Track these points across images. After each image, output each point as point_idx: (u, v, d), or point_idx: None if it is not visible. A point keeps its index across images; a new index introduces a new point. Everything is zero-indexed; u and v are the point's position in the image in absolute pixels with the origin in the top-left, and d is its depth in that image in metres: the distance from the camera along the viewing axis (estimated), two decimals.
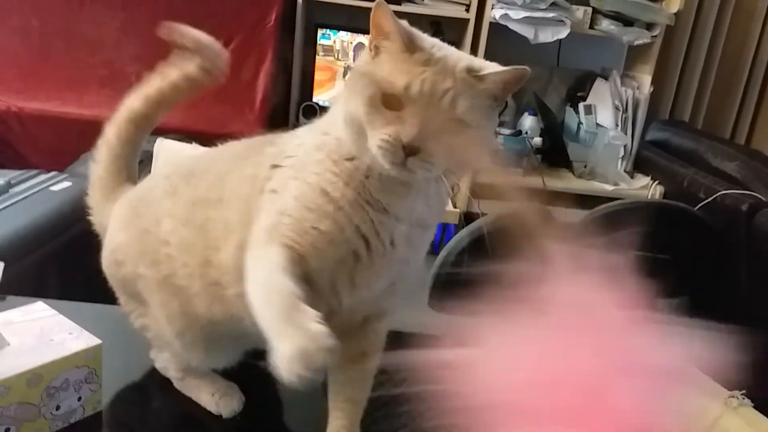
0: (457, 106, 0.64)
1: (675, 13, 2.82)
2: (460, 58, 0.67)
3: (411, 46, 0.66)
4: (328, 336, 0.58)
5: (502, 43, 2.83)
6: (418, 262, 0.77)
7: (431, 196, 0.71)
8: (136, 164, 1.00)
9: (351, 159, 0.69)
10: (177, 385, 0.88)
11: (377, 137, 0.64)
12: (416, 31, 0.68)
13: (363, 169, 0.68)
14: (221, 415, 0.84)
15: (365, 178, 0.68)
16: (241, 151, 0.82)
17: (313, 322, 0.59)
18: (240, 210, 0.74)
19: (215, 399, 0.85)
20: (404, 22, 0.67)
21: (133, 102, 0.96)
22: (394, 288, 0.77)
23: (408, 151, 0.63)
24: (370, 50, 0.69)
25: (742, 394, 0.67)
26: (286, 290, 0.63)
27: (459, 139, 0.65)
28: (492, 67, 0.67)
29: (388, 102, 0.64)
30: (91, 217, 0.96)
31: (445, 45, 0.69)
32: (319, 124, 0.75)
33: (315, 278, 0.70)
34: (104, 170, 0.97)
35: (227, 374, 0.88)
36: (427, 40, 0.68)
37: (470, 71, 0.66)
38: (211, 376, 0.87)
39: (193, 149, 1.49)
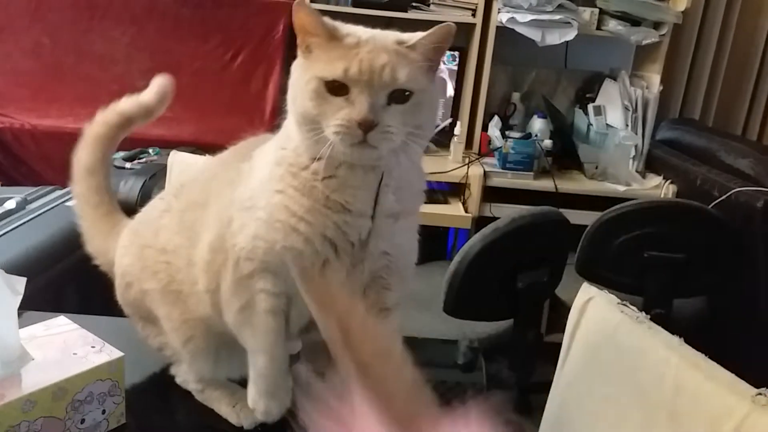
0: (398, 76, 0.67)
1: (682, 12, 2.81)
2: (387, 34, 0.71)
3: (338, 35, 0.69)
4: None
5: (509, 46, 2.83)
6: (403, 250, 0.79)
7: (401, 185, 0.74)
8: (110, 188, 1.03)
9: (307, 167, 0.71)
10: (198, 397, 0.89)
11: (332, 125, 0.67)
12: (338, 23, 0.71)
13: (320, 173, 0.71)
14: (242, 426, 0.84)
15: (322, 180, 0.71)
16: (226, 157, 0.86)
17: (287, 395, 0.77)
18: (217, 212, 0.78)
19: (236, 410, 0.85)
20: (326, 17, 0.70)
21: (95, 128, 1.02)
22: (389, 269, 0.78)
23: (364, 128, 0.66)
24: (302, 51, 0.71)
25: None
26: (279, 359, 0.77)
27: (409, 103, 0.68)
28: (419, 35, 0.70)
29: (332, 90, 0.68)
30: (98, 262, 0.98)
31: (369, 29, 0.72)
32: (278, 137, 0.77)
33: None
34: (92, 215, 1.00)
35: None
36: (351, 27, 0.71)
37: (401, 43, 0.69)
38: (231, 387, 0.88)
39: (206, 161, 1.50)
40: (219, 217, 0.78)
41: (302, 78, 0.69)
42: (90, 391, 0.76)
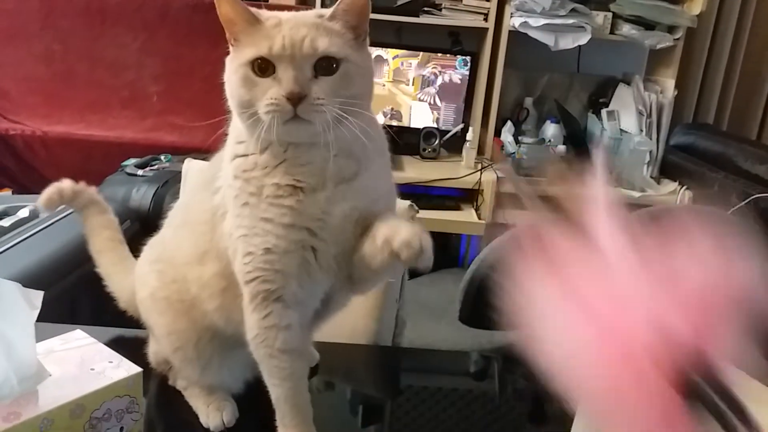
0: (318, 45, 0.67)
1: (697, 15, 2.78)
2: (308, 12, 0.71)
3: (260, 18, 0.69)
4: None
5: (521, 51, 2.81)
6: (372, 198, 0.75)
7: (352, 149, 0.72)
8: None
9: (256, 166, 0.71)
10: (184, 394, 0.90)
11: (263, 105, 0.66)
12: (262, 10, 0.72)
13: (270, 162, 0.71)
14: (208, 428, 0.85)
15: (270, 171, 0.71)
16: (204, 176, 0.85)
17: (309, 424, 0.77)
18: (208, 240, 0.79)
19: (208, 410, 0.86)
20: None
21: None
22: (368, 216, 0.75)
23: (294, 102, 0.66)
24: (231, 44, 0.72)
25: None
26: (290, 380, 0.76)
27: (338, 74, 0.68)
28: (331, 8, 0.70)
29: (259, 71, 0.67)
30: (129, 310, 0.98)
31: (291, 12, 0.72)
32: (227, 149, 0.77)
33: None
34: (113, 273, 1.01)
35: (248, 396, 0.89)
36: (274, 12, 0.71)
37: (319, 16, 0.69)
38: (212, 389, 0.88)
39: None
40: (209, 242, 0.79)
41: (231, 68, 0.70)
42: (108, 408, 0.74)
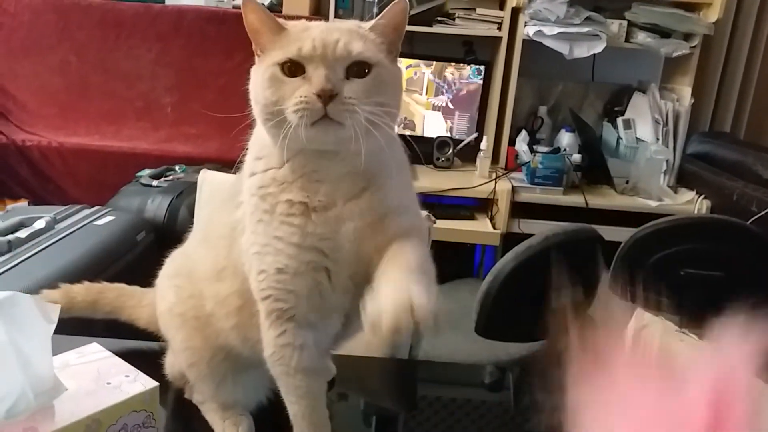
0: (352, 48, 0.65)
1: (713, 23, 2.75)
2: (344, 21, 0.72)
3: (283, 26, 0.67)
4: None
5: (535, 59, 2.80)
6: (386, 211, 0.71)
7: (367, 167, 0.68)
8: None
9: (269, 185, 0.70)
10: (200, 408, 0.89)
11: (291, 105, 0.63)
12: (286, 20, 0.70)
13: (288, 177, 0.69)
14: None
15: (286, 187, 0.69)
16: (230, 189, 0.82)
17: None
18: (225, 255, 0.78)
19: (224, 425, 0.85)
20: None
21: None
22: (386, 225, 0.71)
23: (325, 100, 0.63)
24: (257, 55, 0.70)
25: None
26: (307, 398, 0.75)
27: (370, 77, 0.66)
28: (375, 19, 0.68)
29: (288, 72, 0.65)
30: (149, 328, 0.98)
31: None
32: (246, 165, 0.75)
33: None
34: (119, 307, 1.01)
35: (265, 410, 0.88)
36: (298, 21, 0.70)
37: (358, 26, 0.68)
38: (229, 405, 0.87)
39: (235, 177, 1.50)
40: (227, 260, 0.78)
41: (258, 72, 0.68)
42: (124, 423, 0.73)
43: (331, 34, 0.66)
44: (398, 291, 0.62)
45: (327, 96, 0.63)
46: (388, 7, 0.68)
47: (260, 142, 0.73)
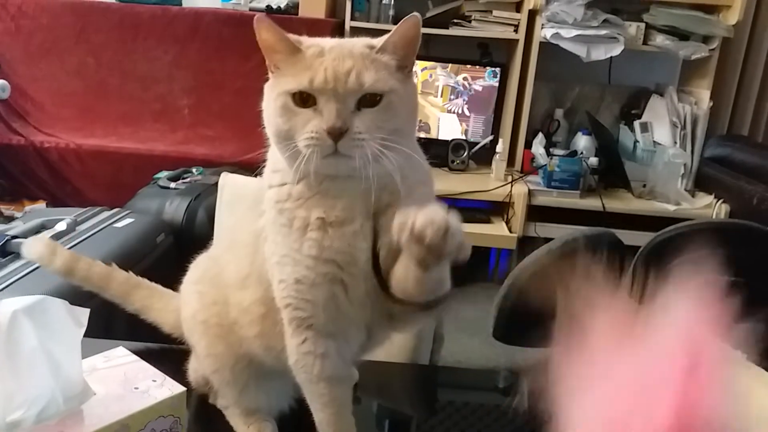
0: (364, 80, 0.64)
1: (733, 25, 2.73)
2: (355, 41, 0.68)
3: (301, 47, 0.66)
4: None
5: (551, 62, 2.79)
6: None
7: (386, 182, 0.67)
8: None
9: (290, 197, 0.70)
10: (225, 413, 0.88)
11: (302, 138, 0.64)
12: (303, 37, 0.69)
13: (305, 194, 0.69)
14: None
15: (303, 203, 0.69)
16: (256, 195, 0.82)
17: None
18: (250, 262, 0.78)
19: (248, 430, 0.85)
20: (289, 33, 0.68)
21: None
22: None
23: (334, 136, 0.63)
24: (271, 70, 0.69)
25: None
26: (332, 407, 0.75)
27: (381, 105, 0.66)
28: (386, 36, 0.67)
29: (300, 102, 0.65)
30: (174, 333, 0.96)
31: (336, 39, 0.69)
32: (265, 177, 0.75)
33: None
34: (149, 306, 0.99)
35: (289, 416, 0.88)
36: (316, 40, 0.69)
37: (369, 47, 0.67)
38: (253, 411, 0.86)
39: (258, 182, 1.49)
40: (252, 266, 0.78)
41: (271, 96, 0.68)
42: (152, 428, 0.72)
43: (344, 62, 0.65)
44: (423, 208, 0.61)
45: (337, 133, 0.63)
46: (401, 22, 0.67)
47: (277, 155, 0.72)
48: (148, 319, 0.98)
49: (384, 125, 0.65)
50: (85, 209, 1.66)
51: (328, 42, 0.68)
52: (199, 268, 0.90)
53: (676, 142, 2.75)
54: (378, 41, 0.68)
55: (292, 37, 0.68)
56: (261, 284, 0.76)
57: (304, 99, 0.65)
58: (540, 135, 2.87)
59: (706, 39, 2.74)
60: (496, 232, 2.55)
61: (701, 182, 2.78)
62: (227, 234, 0.88)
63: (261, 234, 0.76)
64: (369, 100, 0.65)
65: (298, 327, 0.73)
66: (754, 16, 2.92)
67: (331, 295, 0.71)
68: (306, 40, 0.69)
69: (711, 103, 2.79)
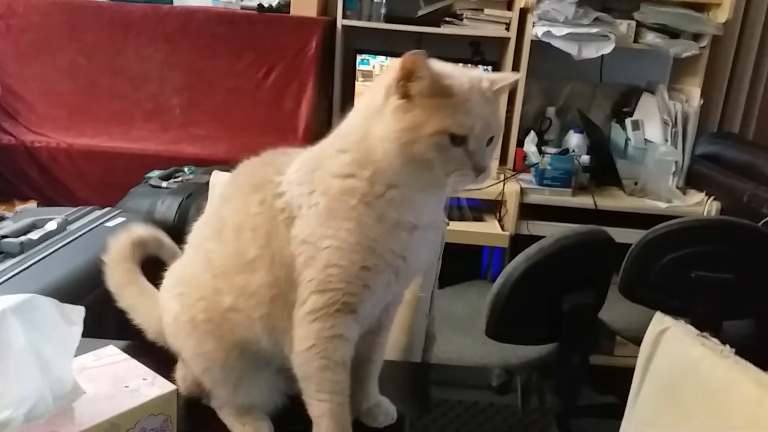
0: (497, 127, 0.76)
1: (723, 23, 2.74)
2: (480, 78, 0.74)
3: (451, 92, 0.72)
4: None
5: (543, 60, 2.79)
6: (428, 259, 0.85)
7: (441, 200, 0.82)
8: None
9: (382, 196, 0.74)
10: (218, 413, 0.89)
11: (454, 173, 0.73)
12: (441, 70, 0.73)
13: (397, 198, 0.75)
14: None
15: (395, 204, 0.75)
16: (241, 183, 0.84)
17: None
18: (258, 246, 0.78)
19: (243, 429, 0.85)
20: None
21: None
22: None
23: (478, 173, 0.74)
24: (400, 95, 0.72)
25: None
26: (341, 394, 0.77)
27: (494, 143, 0.77)
28: (499, 79, 0.76)
29: (453, 140, 0.72)
30: (158, 340, 0.96)
31: (461, 69, 0.76)
32: (335, 165, 0.76)
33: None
34: (138, 306, 1.00)
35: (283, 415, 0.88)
36: (448, 70, 0.74)
37: (491, 87, 0.75)
38: (247, 409, 0.87)
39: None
40: (263, 249, 0.78)
41: (418, 125, 0.71)
42: (143, 427, 0.73)
43: (485, 108, 0.73)
44: None
45: (481, 171, 0.73)
46: (512, 76, 0.77)
47: (354, 136, 0.76)
48: (134, 320, 0.98)
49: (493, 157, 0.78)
50: (75, 209, 1.65)
51: (465, 81, 0.73)
52: (174, 273, 0.90)
53: (667, 140, 2.76)
54: (496, 83, 0.75)
55: (445, 78, 0.72)
56: (274, 266, 0.77)
57: (455, 139, 0.71)
58: (532, 133, 2.88)
59: (696, 37, 2.75)
60: (489, 230, 2.56)
61: (692, 180, 2.80)
62: (209, 227, 0.87)
63: (279, 216, 0.77)
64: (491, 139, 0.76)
65: (337, 311, 0.75)
66: (744, 14, 2.94)
67: (387, 283, 0.77)
68: (447, 77, 0.72)
69: (701, 101, 2.80)
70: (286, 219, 0.76)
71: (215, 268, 0.82)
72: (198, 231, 0.89)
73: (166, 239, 1.03)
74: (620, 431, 0.85)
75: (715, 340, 0.76)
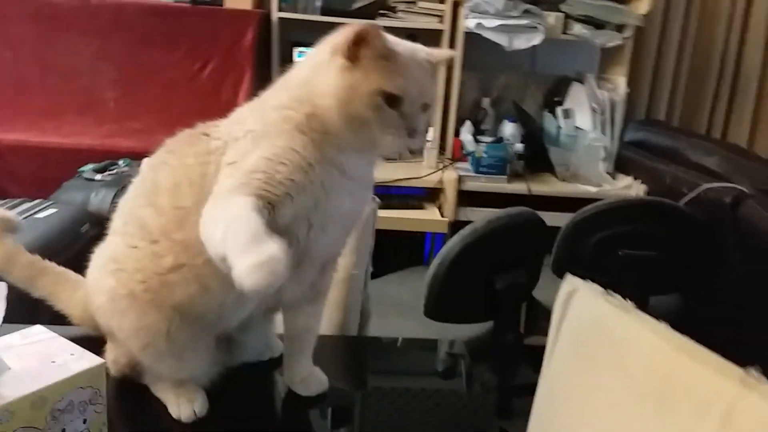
0: (433, 95, 0.81)
1: (644, 15, 2.87)
2: (419, 50, 0.79)
3: (395, 55, 0.76)
4: (285, 251, 0.66)
5: (477, 52, 2.86)
6: (361, 215, 0.89)
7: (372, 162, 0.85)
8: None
9: (318, 131, 0.77)
10: (152, 389, 0.89)
11: (388, 132, 0.76)
12: (389, 40, 0.77)
13: (330, 140, 0.77)
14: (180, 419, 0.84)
15: (326, 137, 0.77)
16: (174, 146, 0.85)
17: (274, 242, 0.66)
18: (194, 193, 0.79)
19: (178, 402, 0.85)
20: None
21: None
22: (345, 233, 0.88)
23: (412, 135, 0.78)
24: (346, 57, 0.75)
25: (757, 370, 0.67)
26: (254, 222, 0.69)
27: (428, 112, 0.81)
28: (437, 53, 0.81)
29: (389, 101, 0.75)
30: (84, 325, 0.95)
31: (404, 41, 0.79)
32: (274, 101, 0.80)
33: (277, 224, 0.75)
34: (58, 293, 0.97)
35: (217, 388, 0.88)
36: (394, 41, 0.77)
37: (429, 60, 0.80)
38: (184, 382, 0.87)
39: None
40: (197, 195, 0.78)
41: (358, 85, 0.75)
42: (70, 400, 0.72)
43: (422, 75, 0.78)
44: None
45: (414, 133, 0.77)
46: (447, 51, 0.84)
47: (297, 80, 0.80)
48: (56, 307, 0.96)
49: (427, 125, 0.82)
50: (4, 200, 1.61)
51: (406, 48, 0.77)
52: (104, 254, 0.88)
53: (596, 127, 2.88)
54: (433, 55, 0.80)
55: (390, 41, 0.76)
56: None
57: (391, 100, 0.75)
58: (468, 123, 2.95)
59: (619, 28, 2.87)
60: (429, 217, 2.61)
61: (621, 165, 2.92)
62: (142, 192, 0.86)
63: (214, 153, 0.78)
64: (425, 107, 0.80)
65: (250, 195, 0.72)
66: (666, 7, 3.09)
67: (309, 209, 0.77)
68: (394, 45, 0.76)
69: (628, 90, 2.93)
70: (221, 154, 0.78)
71: (152, 234, 0.81)
72: (126, 207, 0.88)
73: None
74: (537, 388, 0.90)
75: (618, 296, 0.81)
